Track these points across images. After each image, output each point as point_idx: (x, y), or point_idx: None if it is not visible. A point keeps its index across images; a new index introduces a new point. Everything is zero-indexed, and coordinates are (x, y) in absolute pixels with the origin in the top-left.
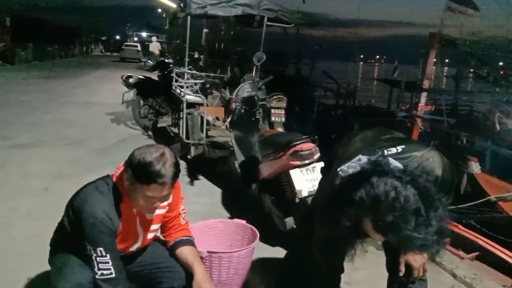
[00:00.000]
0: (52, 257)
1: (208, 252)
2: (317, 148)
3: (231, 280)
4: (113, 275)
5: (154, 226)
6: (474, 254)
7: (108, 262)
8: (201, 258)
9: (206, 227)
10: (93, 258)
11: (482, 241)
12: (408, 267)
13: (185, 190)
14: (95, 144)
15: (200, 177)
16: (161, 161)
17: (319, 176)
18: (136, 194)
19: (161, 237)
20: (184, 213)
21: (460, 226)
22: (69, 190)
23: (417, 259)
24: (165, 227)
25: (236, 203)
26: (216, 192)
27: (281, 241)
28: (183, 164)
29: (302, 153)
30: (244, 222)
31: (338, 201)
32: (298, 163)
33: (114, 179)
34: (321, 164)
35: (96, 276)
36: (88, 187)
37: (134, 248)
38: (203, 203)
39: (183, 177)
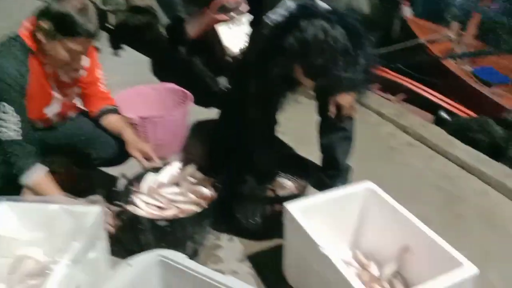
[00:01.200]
0: None
1: (140, 117)
2: None
3: (169, 143)
4: (19, 136)
5: (71, 90)
6: (401, 96)
7: (9, 120)
8: (134, 125)
9: (135, 94)
10: None
11: (409, 83)
12: (338, 107)
13: (111, 61)
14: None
15: (125, 46)
16: (85, 12)
17: (247, 29)
18: (57, 49)
19: (84, 109)
20: (103, 79)
21: (390, 71)
22: None
23: (346, 97)
24: (84, 95)
25: (166, 69)
26: (143, 61)
27: (216, 102)
28: (103, 35)
29: (228, 5)
30: (174, 85)
31: (268, 51)
32: (225, 17)
33: (21, 34)
34: (250, 16)
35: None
36: None
37: (51, 112)
38: (131, 73)
39: (106, 49)
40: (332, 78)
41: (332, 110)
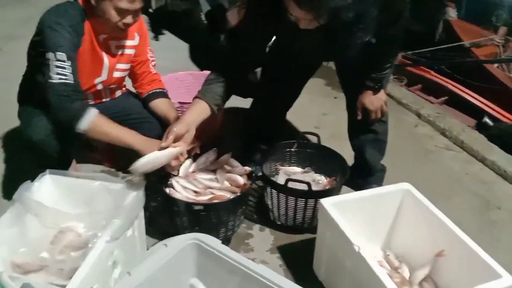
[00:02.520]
0: (20, 111)
1: (180, 103)
2: None
3: (203, 129)
4: (72, 81)
5: (121, 65)
6: (443, 99)
7: (65, 68)
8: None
9: (175, 80)
10: (50, 62)
11: (451, 85)
12: (366, 110)
13: (150, 45)
14: (43, 2)
15: (165, 31)
16: None
17: None
18: (106, 7)
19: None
20: (153, 61)
21: (432, 72)
22: (23, 50)
23: (373, 102)
24: (135, 74)
25: (205, 57)
26: (183, 47)
27: (253, 92)
28: (144, 19)
29: None
30: None
31: None
32: None
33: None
34: None
35: (51, 80)
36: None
37: (98, 81)
38: (170, 59)
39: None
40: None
41: (359, 114)
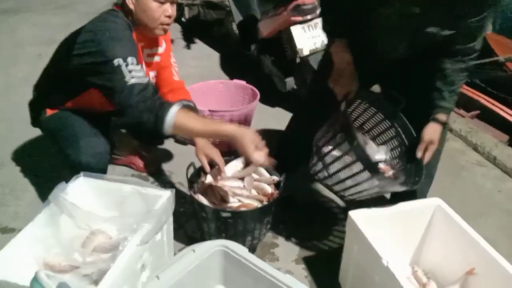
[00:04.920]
0: (47, 121)
1: (210, 111)
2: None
3: None
4: (147, 81)
5: (152, 73)
6: (475, 112)
7: (138, 70)
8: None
9: (206, 88)
10: (122, 68)
11: (484, 99)
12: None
13: (182, 53)
14: (83, 8)
15: (197, 40)
16: None
17: (321, 33)
18: (146, 6)
19: None
20: (176, 67)
21: (464, 85)
22: None
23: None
24: (159, 80)
25: (235, 66)
26: (214, 55)
27: (281, 102)
28: (177, 28)
29: (304, 7)
30: (244, 82)
31: None
32: (300, 18)
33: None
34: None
35: (127, 83)
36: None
37: None
38: (201, 67)
39: (179, 41)
40: None
41: (421, 148)
